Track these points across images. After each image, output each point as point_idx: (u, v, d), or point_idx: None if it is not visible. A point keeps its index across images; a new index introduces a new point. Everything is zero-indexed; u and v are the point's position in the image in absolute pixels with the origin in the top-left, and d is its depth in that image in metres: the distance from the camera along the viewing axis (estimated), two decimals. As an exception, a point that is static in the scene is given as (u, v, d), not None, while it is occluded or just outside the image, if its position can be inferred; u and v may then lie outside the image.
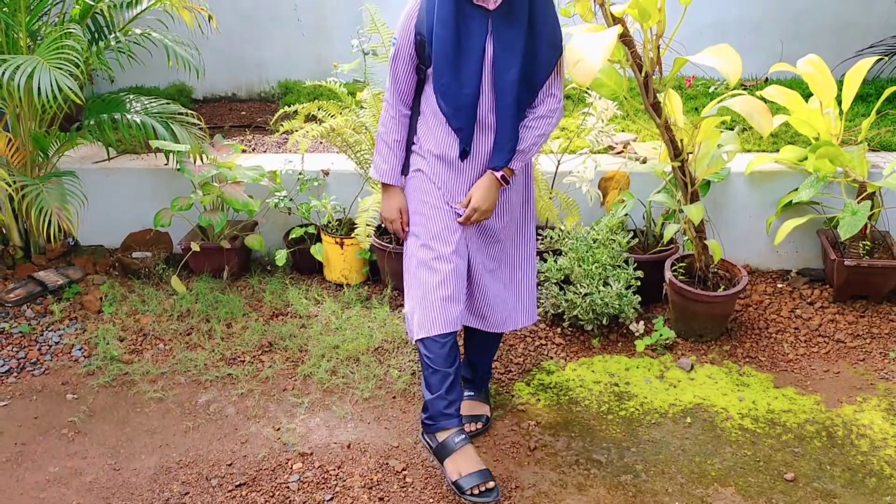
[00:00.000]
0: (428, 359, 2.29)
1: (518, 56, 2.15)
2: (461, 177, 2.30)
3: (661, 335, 3.03)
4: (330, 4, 4.93)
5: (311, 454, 2.50)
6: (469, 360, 2.65)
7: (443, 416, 2.31)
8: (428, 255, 2.28)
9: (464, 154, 2.25)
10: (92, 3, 3.63)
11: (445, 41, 2.13)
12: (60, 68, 2.91)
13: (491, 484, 2.23)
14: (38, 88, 2.85)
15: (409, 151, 2.36)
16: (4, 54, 3.34)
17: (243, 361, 3.02)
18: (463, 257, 2.32)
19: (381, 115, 2.37)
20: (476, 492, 2.22)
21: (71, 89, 2.87)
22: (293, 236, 3.58)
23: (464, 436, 2.31)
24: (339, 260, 3.51)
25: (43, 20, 3.62)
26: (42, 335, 3.22)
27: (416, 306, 2.30)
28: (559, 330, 3.15)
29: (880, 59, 4.29)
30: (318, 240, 3.58)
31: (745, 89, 4.34)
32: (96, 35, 3.71)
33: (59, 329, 3.27)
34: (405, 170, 2.37)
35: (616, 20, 2.51)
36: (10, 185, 3.20)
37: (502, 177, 2.26)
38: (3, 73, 2.88)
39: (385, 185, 2.38)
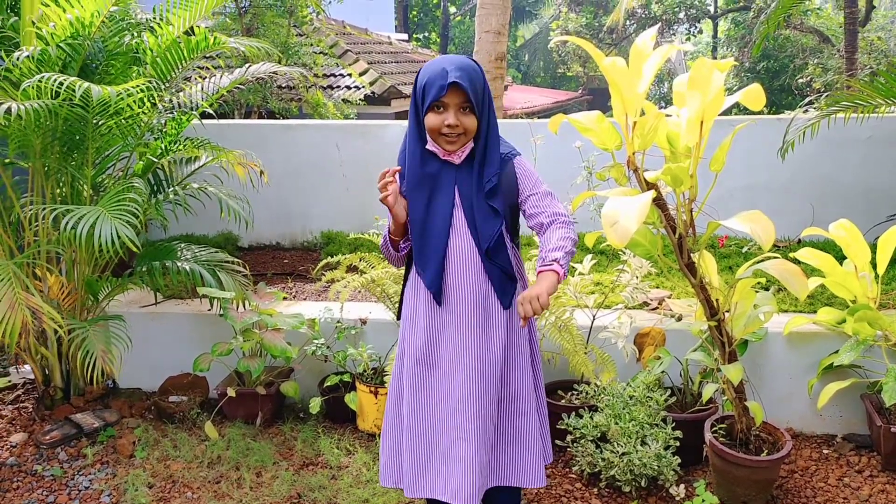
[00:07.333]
0: None
1: (496, 206, 2.19)
2: (449, 317, 2.28)
3: (703, 501, 2.91)
4: (373, 161, 5.20)
5: None
6: None
7: None
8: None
9: (437, 297, 2.24)
10: (154, 160, 3.89)
11: (413, 185, 2.22)
12: (121, 218, 3.08)
13: None
14: (99, 237, 3.00)
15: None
16: (68, 204, 3.56)
17: (271, 514, 2.96)
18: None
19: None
20: None
21: (129, 238, 3.02)
22: (328, 384, 3.59)
23: None
24: (372, 409, 3.50)
25: (106, 173, 3.88)
26: (73, 479, 3.21)
27: None
28: (595, 490, 3.05)
29: (912, 224, 4.33)
30: (353, 388, 3.58)
31: (777, 250, 4.40)
32: (156, 188, 3.95)
33: (90, 473, 3.25)
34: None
35: (650, 185, 2.61)
36: (61, 327, 3.31)
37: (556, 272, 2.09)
38: (68, 223, 3.05)
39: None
